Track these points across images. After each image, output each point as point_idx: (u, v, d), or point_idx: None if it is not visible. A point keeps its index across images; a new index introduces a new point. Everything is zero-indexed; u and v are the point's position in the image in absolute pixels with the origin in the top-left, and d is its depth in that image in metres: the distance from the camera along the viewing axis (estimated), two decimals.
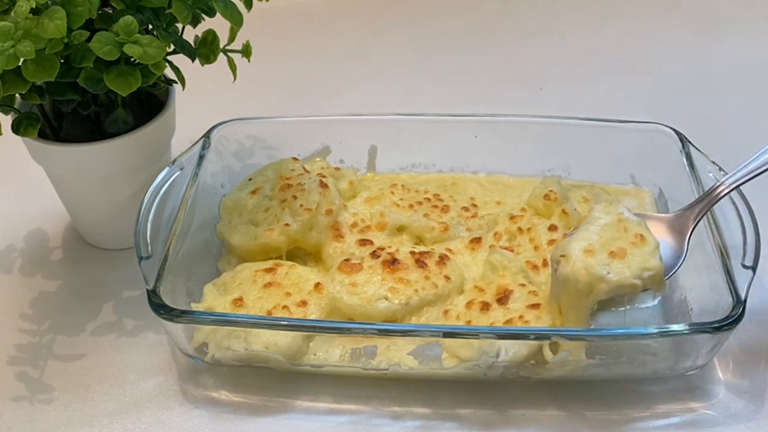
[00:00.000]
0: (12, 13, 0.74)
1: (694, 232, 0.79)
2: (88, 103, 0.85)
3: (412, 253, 0.84)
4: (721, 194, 0.79)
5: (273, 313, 0.79)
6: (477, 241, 0.89)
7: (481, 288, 0.82)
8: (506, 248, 0.86)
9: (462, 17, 1.38)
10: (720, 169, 0.85)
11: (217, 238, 0.90)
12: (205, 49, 0.87)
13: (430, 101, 1.16)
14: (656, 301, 0.85)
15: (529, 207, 0.90)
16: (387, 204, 0.92)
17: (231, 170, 0.95)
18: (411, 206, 0.93)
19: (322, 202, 0.88)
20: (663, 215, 0.82)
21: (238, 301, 0.80)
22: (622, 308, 0.84)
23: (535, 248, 0.85)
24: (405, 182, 0.96)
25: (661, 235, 0.78)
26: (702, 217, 0.80)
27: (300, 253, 0.89)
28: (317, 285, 0.81)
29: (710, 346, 0.74)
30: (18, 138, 0.84)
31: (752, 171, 0.78)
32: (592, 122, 0.95)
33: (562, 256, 0.76)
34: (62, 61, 0.77)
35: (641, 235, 0.76)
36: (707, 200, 0.80)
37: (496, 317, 0.78)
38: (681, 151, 0.89)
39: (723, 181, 0.79)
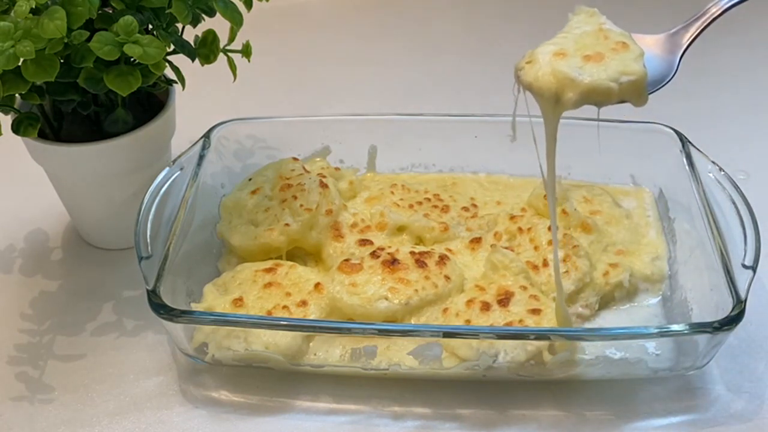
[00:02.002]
0: (12, 13, 0.74)
1: (686, 52, 0.71)
2: (88, 103, 0.85)
3: (412, 253, 0.84)
4: (716, 13, 0.71)
5: (273, 313, 0.79)
6: (477, 241, 0.89)
7: (482, 287, 0.82)
8: (506, 248, 0.86)
9: (462, 17, 1.38)
10: (720, 169, 0.85)
11: (217, 238, 0.90)
12: (205, 49, 0.87)
13: (430, 101, 1.16)
14: (656, 300, 0.85)
15: (529, 207, 0.91)
16: (387, 204, 0.92)
17: (231, 170, 0.96)
18: (411, 206, 0.93)
19: (322, 202, 0.88)
20: (653, 35, 0.73)
21: (238, 301, 0.80)
22: (624, 307, 0.85)
23: (535, 248, 0.85)
24: (405, 182, 0.96)
25: (649, 49, 0.69)
26: (696, 37, 0.71)
27: (300, 253, 0.89)
28: (317, 285, 0.81)
29: (710, 346, 0.74)
30: (18, 138, 0.84)
31: None
32: (592, 122, 0.94)
33: (528, 62, 0.67)
34: (62, 61, 0.77)
35: (623, 43, 0.67)
36: (702, 20, 0.72)
37: (496, 319, 0.78)
38: (681, 151, 0.89)
39: (716, 1, 0.72)
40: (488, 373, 0.76)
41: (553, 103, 0.65)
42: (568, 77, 0.64)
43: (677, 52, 0.71)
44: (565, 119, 0.94)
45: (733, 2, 0.71)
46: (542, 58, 0.66)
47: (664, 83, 0.69)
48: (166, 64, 0.82)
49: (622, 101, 0.65)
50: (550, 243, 0.85)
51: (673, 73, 0.70)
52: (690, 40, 0.71)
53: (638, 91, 0.65)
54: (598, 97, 0.65)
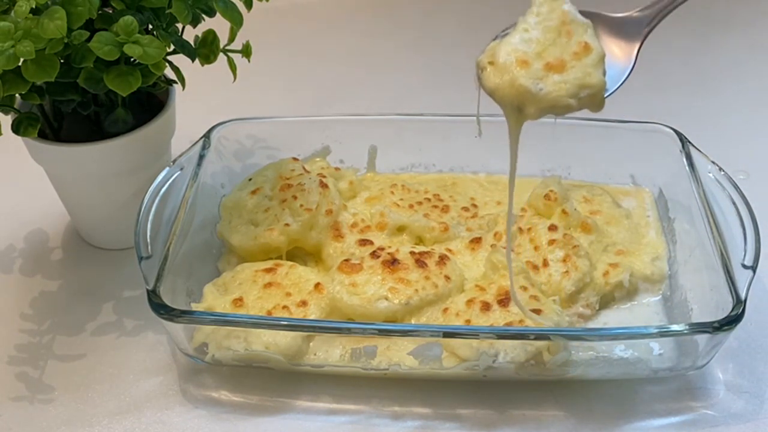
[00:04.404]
0: (12, 13, 0.74)
1: (645, 42, 0.70)
2: (88, 103, 0.85)
3: (412, 253, 0.84)
4: (679, 1, 0.70)
5: (273, 313, 0.79)
6: (477, 241, 0.89)
7: (482, 287, 0.82)
8: None
9: (461, 17, 1.38)
10: (720, 169, 0.85)
11: (217, 238, 0.90)
12: (205, 49, 0.87)
13: (430, 101, 1.16)
14: (656, 300, 0.85)
15: (530, 207, 0.90)
16: (387, 204, 0.92)
17: (231, 170, 0.96)
18: (411, 206, 0.93)
19: (322, 202, 0.88)
20: (615, 15, 0.71)
21: (238, 301, 0.80)
22: (624, 306, 0.85)
23: (536, 248, 0.85)
24: (405, 182, 0.96)
25: (607, 41, 0.69)
26: (656, 25, 0.70)
27: (300, 253, 0.89)
28: (317, 285, 0.81)
29: (710, 346, 0.74)
30: (18, 138, 0.84)
31: None
32: (592, 122, 0.95)
33: (490, 62, 0.67)
34: (62, 61, 0.77)
35: (585, 44, 0.66)
36: (665, 6, 0.70)
37: (496, 319, 0.78)
38: (681, 151, 0.89)
39: None
40: (488, 373, 0.76)
41: (516, 112, 0.67)
42: (529, 92, 0.65)
43: (635, 43, 0.70)
44: (565, 119, 0.95)
45: None
46: (504, 63, 0.66)
47: (618, 86, 0.70)
48: (166, 64, 0.82)
49: (581, 109, 0.68)
50: (550, 243, 0.85)
51: (628, 72, 0.70)
52: (650, 28, 0.70)
53: (596, 102, 0.67)
54: (558, 110, 0.67)
